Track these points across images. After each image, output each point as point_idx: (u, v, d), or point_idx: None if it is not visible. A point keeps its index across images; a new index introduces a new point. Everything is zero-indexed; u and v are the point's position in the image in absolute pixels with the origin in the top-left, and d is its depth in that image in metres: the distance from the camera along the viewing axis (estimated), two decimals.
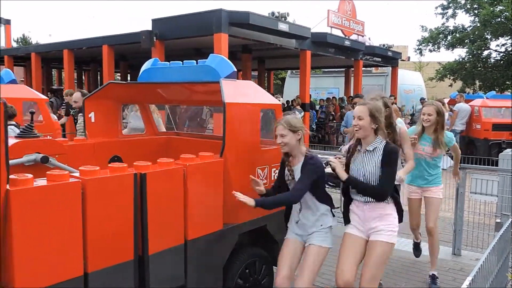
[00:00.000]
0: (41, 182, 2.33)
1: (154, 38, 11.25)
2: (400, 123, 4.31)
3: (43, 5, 77.15)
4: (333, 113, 16.76)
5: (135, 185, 2.70)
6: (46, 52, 17.55)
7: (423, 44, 26.37)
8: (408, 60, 32.43)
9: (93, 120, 4.37)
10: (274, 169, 3.73)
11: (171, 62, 4.07)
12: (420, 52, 27.00)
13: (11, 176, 2.23)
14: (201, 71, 3.78)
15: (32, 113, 3.86)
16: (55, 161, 3.55)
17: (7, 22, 28.44)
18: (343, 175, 3.27)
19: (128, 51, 15.40)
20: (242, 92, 3.57)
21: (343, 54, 15.58)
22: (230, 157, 3.34)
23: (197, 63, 3.88)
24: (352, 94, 17.42)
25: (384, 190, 3.18)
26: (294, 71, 24.57)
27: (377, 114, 3.19)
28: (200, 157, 3.24)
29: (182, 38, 11.39)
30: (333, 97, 19.02)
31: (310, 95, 15.88)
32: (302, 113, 12.55)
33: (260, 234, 3.78)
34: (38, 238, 2.26)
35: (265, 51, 15.54)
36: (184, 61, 3.97)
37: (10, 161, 3.56)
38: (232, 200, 3.22)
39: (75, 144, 4.05)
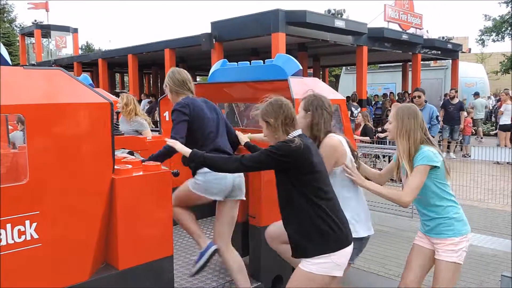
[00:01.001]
0: (139, 172, 2.67)
1: (214, 40, 11.68)
2: None
3: (102, 13, 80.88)
4: (390, 108, 16.53)
5: None
6: (111, 57, 18.61)
7: (486, 34, 25.27)
8: (469, 52, 31.09)
9: (167, 119, 4.75)
10: None
11: (239, 62, 4.35)
12: (483, 43, 25.92)
13: (116, 167, 2.58)
14: (268, 70, 4.02)
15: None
16: (139, 156, 3.93)
17: (75, 30, 30.31)
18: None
19: (188, 53, 15.99)
20: (310, 89, 3.77)
21: (401, 49, 15.34)
22: None
23: (264, 63, 4.13)
24: (409, 89, 17.10)
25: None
26: (349, 68, 24.37)
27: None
28: None
29: (240, 39, 11.73)
30: (391, 93, 18.71)
31: (367, 91, 15.77)
32: (359, 109, 12.53)
33: None
34: (137, 222, 2.59)
35: (320, 49, 15.61)
36: (251, 61, 4.23)
37: None
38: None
39: (154, 140, 4.43)
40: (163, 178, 2.71)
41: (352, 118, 10.76)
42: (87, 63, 21.56)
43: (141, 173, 2.66)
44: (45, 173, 2.23)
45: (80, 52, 34.58)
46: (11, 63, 2.40)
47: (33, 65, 25.93)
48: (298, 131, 2.62)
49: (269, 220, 3.34)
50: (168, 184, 2.74)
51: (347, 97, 12.53)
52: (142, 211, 2.61)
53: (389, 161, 6.72)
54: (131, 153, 3.84)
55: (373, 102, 18.25)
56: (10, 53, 37.04)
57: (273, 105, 2.62)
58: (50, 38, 31.34)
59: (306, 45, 14.64)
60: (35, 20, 29.94)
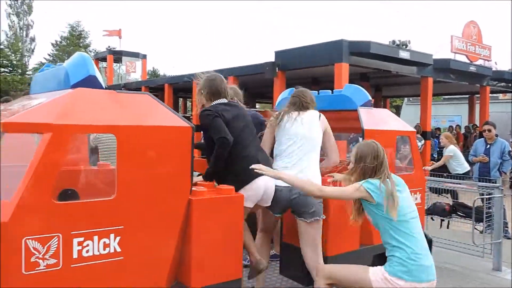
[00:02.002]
0: (213, 194, 2.77)
1: (277, 68, 11.94)
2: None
3: (168, 40, 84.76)
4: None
5: None
6: (176, 83, 19.43)
7: None
8: None
9: None
10: None
11: None
12: None
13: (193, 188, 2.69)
14: (337, 100, 4.06)
15: None
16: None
17: (144, 56, 32.02)
18: None
19: (250, 80, 16.36)
20: (379, 119, 3.77)
21: (467, 80, 14.84)
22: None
23: (332, 93, 4.17)
24: (477, 122, 16.41)
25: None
26: (411, 99, 23.82)
27: None
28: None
29: (303, 68, 11.89)
30: (457, 125, 18.05)
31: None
32: (423, 141, 12.17)
33: None
34: (210, 242, 2.68)
35: (383, 79, 15.42)
36: (319, 90, 4.29)
37: None
38: (367, 221, 3.42)
39: None
40: (236, 202, 2.80)
41: None
42: (153, 87, 22.61)
43: (215, 195, 2.77)
44: (131, 190, 2.38)
45: (147, 77, 36.33)
46: (104, 87, 2.60)
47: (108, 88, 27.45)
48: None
49: (337, 249, 3.32)
50: (240, 208, 2.82)
51: None
52: (215, 232, 2.69)
53: (453, 196, 6.47)
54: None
55: (437, 135, 17.66)
56: None
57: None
58: (121, 63, 33.25)
59: (369, 75, 14.53)
60: (109, 46, 31.90)
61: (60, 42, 39.79)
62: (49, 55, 39.69)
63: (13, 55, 38.42)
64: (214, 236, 2.68)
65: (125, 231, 2.37)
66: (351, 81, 12.95)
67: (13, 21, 39.42)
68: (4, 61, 38.08)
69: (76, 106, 2.30)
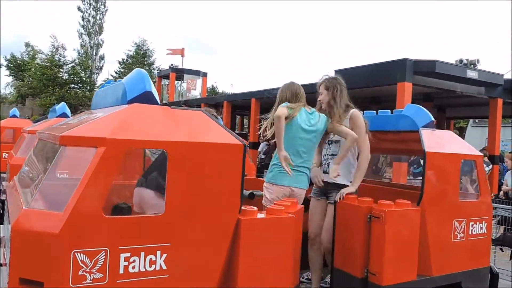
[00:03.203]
0: (262, 214, 2.69)
1: None
2: None
3: (227, 58, 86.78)
4: None
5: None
6: (234, 100, 19.77)
7: None
8: None
9: None
10: (472, 223, 3.55)
11: (365, 111, 4.25)
12: None
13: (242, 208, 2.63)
14: (397, 120, 3.87)
15: None
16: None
17: (204, 74, 33.03)
18: None
19: (309, 99, 16.30)
20: (442, 142, 3.54)
21: None
22: (428, 206, 3.31)
23: (391, 113, 3.98)
24: None
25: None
26: (477, 120, 22.63)
27: None
28: (397, 204, 3.29)
29: (363, 87, 11.60)
30: None
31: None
32: (490, 166, 11.45)
33: None
34: (258, 264, 2.58)
35: (447, 99, 14.76)
36: (378, 110, 4.12)
37: None
38: (427, 251, 3.21)
39: None
40: (286, 223, 2.69)
41: None
42: (213, 104, 23.17)
43: (264, 216, 2.68)
44: (180, 207, 2.35)
45: (206, 94, 37.29)
46: (159, 102, 2.61)
47: (165, 104, 28.49)
48: None
49: (393, 278, 3.11)
50: (289, 229, 2.71)
51: None
52: (263, 253, 2.60)
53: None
54: (251, 194, 3.90)
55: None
56: None
57: None
58: (182, 81, 34.46)
59: (432, 95, 13.96)
60: (172, 64, 33.19)
61: (126, 60, 41.81)
62: (116, 72, 41.79)
63: (83, 72, 40.82)
64: (262, 256, 2.59)
65: (171, 248, 2.33)
66: (414, 101, 12.53)
67: (85, 40, 42.01)
68: (75, 78, 40.55)
69: (130, 121, 2.32)
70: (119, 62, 42.40)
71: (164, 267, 2.32)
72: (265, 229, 2.62)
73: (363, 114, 4.27)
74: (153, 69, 44.19)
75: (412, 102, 10.91)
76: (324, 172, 3.74)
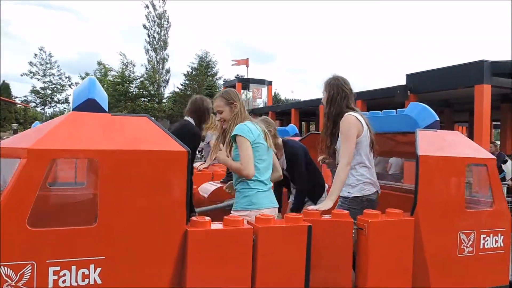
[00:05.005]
0: (217, 226, 2.50)
1: (409, 92, 11.54)
2: None
3: (288, 65, 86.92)
4: None
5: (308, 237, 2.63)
6: (300, 108, 19.90)
7: None
8: None
9: None
10: (484, 235, 3.10)
11: (370, 112, 3.93)
12: None
13: (192, 218, 2.46)
14: (400, 120, 3.52)
15: None
16: None
17: (269, 83, 33.46)
18: None
19: (379, 104, 16.03)
20: (443, 144, 3.14)
21: None
22: (423, 216, 2.94)
23: (396, 113, 3.64)
24: None
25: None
26: None
27: None
28: (387, 213, 2.96)
29: (437, 91, 11.31)
30: None
31: None
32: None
33: None
34: (206, 278, 2.40)
35: None
36: (383, 110, 3.78)
37: (214, 205, 4.00)
38: (424, 266, 2.84)
39: None
40: (243, 234, 2.49)
41: None
42: (279, 112, 23.39)
43: (218, 226, 2.50)
44: (113, 219, 2.24)
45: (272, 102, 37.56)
46: (106, 110, 2.52)
47: None
48: None
49: None
50: (248, 242, 2.50)
51: None
52: (215, 268, 2.42)
53: None
54: None
55: None
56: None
57: None
58: (248, 90, 35.02)
59: (511, 96, 13.05)
60: (237, 75, 33.79)
61: (191, 72, 43.12)
62: (181, 84, 43.25)
63: (151, 86, 42.71)
64: (212, 270, 2.40)
65: (106, 262, 2.22)
66: (492, 102, 11.71)
67: (151, 56, 43.95)
68: (144, 92, 42.50)
69: (61, 130, 2.25)
70: (184, 74, 43.83)
71: (99, 281, 2.21)
72: (216, 240, 2.43)
73: (369, 114, 3.94)
74: (216, 79, 45.18)
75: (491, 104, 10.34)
76: None
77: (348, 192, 3.16)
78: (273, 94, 46.24)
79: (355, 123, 3.13)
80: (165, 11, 44.46)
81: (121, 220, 2.25)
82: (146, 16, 43.96)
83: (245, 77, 36.04)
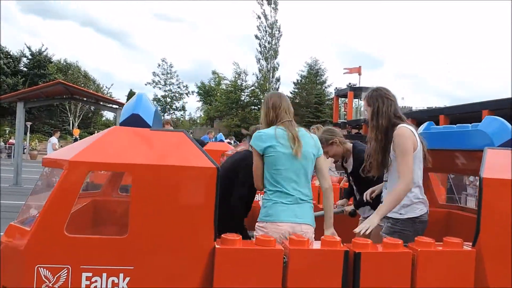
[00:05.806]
0: (248, 244, 2.47)
1: None
2: None
3: (392, 71, 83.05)
4: None
5: (345, 263, 2.47)
6: (413, 118, 19.14)
7: None
8: None
9: None
10: None
11: (446, 126, 3.59)
12: None
13: (223, 235, 2.46)
14: (472, 137, 3.16)
15: None
16: None
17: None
18: None
19: (506, 114, 14.92)
20: None
21: None
22: (487, 248, 2.58)
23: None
24: None
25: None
26: None
27: None
28: (445, 243, 2.65)
29: None
30: None
31: None
32: None
33: None
34: None
35: None
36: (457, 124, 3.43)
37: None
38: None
39: None
40: (271, 254, 2.42)
41: None
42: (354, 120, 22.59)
43: (249, 245, 2.46)
44: (144, 231, 2.33)
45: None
46: (150, 125, 2.65)
47: (335, 124, 28.93)
48: None
49: None
50: (273, 260, 2.42)
51: None
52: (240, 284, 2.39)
53: None
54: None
55: None
56: (319, 111, 42.23)
57: None
58: (360, 99, 34.28)
59: None
60: (349, 83, 33.27)
61: (300, 80, 43.40)
62: (291, 92, 43.72)
63: (262, 94, 43.85)
64: None
65: (135, 272, 2.31)
66: None
67: (262, 65, 45.12)
68: (255, 100, 43.77)
69: (100, 144, 2.42)
70: (294, 82, 44.32)
71: None
72: (245, 259, 2.40)
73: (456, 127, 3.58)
74: (325, 87, 44.84)
75: None
76: None
77: (400, 214, 2.90)
78: None
79: (410, 135, 2.87)
80: (276, 20, 45.31)
81: (150, 232, 2.34)
82: (257, 26, 45.28)
83: (357, 85, 35.26)
